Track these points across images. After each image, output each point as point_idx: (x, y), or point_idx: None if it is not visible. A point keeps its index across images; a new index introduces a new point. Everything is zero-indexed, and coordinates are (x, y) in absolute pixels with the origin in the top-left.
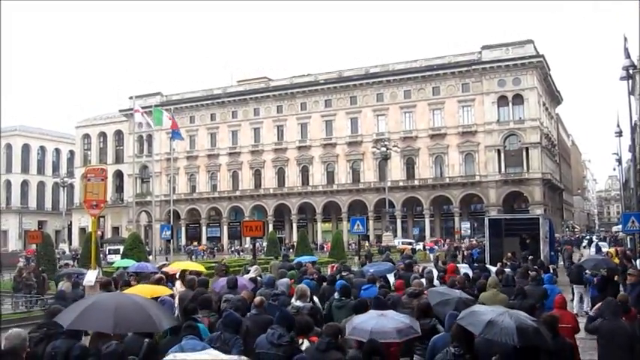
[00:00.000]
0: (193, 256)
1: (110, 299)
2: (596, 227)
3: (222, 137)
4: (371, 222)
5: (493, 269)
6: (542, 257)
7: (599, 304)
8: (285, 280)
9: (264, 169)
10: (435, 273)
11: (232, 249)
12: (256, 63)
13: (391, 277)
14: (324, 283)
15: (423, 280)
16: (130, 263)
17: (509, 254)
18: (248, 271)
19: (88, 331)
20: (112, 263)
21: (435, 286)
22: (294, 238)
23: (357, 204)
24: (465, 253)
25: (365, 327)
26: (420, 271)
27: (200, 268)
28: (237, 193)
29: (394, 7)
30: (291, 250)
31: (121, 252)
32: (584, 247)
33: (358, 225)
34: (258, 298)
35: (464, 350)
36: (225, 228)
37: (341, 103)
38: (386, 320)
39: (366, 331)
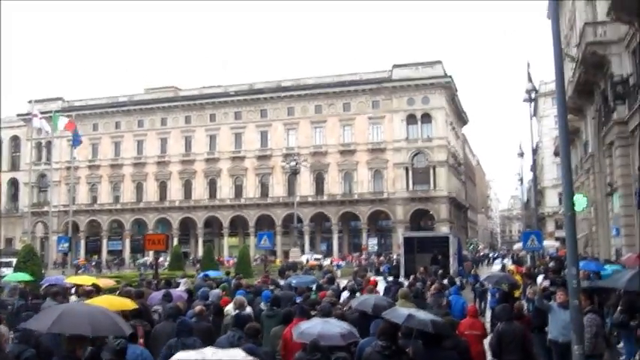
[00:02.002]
0: (80, 270)
1: (80, 306)
2: (499, 245)
3: (126, 147)
4: (279, 237)
5: (407, 283)
6: (451, 272)
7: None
8: (217, 291)
9: (171, 180)
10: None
11: (135, 263)
12: (165, 71)
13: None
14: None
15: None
16: (24, 277)
17: (422, 269)
18: (178, 284)
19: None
20: (3, 277)
21: (356, 296)
22: (200, 252)
23: (265, 219)
24: (381, 269)
25: (312, 331)
26: (345, 284)
27: (108, 283)
28: (142, 205)
29: (308, 22)
30: (198, 265)
31: (13, 265)
32: (487, 265)
33: (265, 240)
34: (198, 307)
35: (389, 343)
36: (128, 241)
37: (251, 115)
38: (330, 326)
39: (312, 335)
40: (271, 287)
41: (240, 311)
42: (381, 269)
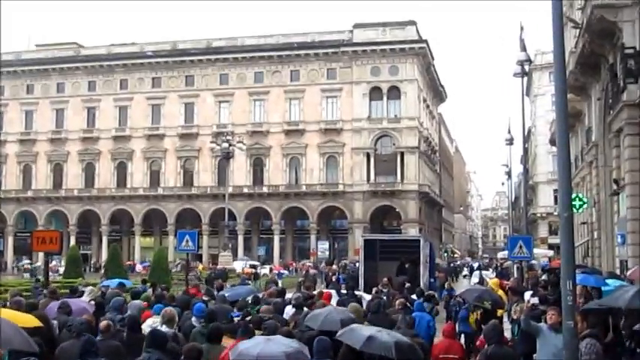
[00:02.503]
0: None
1: None
2: (480, 252)
3: (11, 118)
4: (205, 238)
5: (367, 297)
6: (421, 284)
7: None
8: (138, 302)
9: (67, 163)
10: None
11: (17, 266)
12: (65, 24)
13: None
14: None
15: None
16: None
17: (385, 280)
18: (82, 293)
19: None
20: None
21: (303, 311)
22: (104, 255)
23: (189, 214)
24: (333, 279)
25: (251, 352)
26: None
27: None
28: (29, 194)
29: None
30: (103, 271)
31: None
32: (465, 277)
33: (187, 241)
34: (104, 322)
35: None
36: (11, 239)
37: (173, 83)
38: (274, 345)
39: (252, 356)
40: (205, 298)
41: (168, 327)
42: (334, 279)
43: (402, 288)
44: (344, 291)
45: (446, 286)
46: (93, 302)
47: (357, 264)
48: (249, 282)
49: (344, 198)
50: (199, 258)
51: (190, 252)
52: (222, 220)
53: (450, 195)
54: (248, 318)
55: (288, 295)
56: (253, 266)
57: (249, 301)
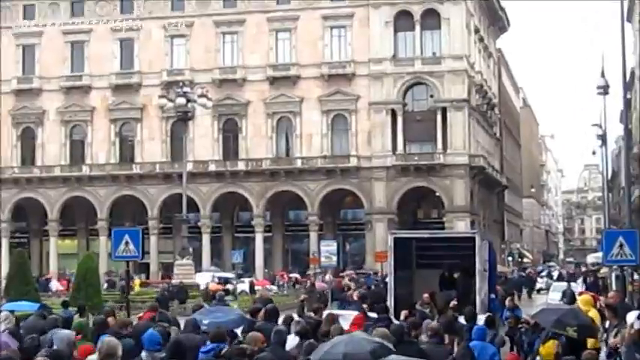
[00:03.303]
0: None
1: None
2: (560, 255)
3: None
4: (153, 239)
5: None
6: (477, 302)
7: None
8: (65, 332)
9: None
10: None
11: None
12: None
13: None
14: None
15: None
16: None
17: (426, 296)
18: None
19: None
20: None
21: (311, 343)
22: (4, 266)
23: (129, 204)
24: (354, 296)
25: None
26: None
27: None
28: None
29: None
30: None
31: None
32: (540, 291)
33: (127, 244)
34: None
35: None
36: None
37: (102, 9)
38: None
39: None
40: (164, 325)
41: None
42: (355, 296)
43: (447, 308)
44: (373, 314)
45: (507, 304)
46: (8, 332)
47: (379, 274)
48: (231, 302)
49: (358, 177)
50: (145, 269)
51: (132, 260)
52: (179, 213)
53: (515, 171)
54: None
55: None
56: (225, 280)
57: (239, 333)
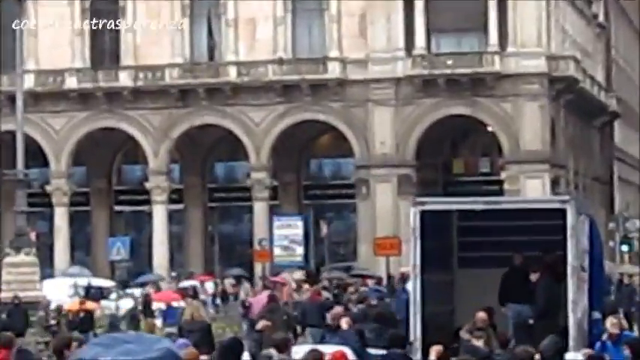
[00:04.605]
0: None
1: None
2: None
3: None
4: None
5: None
6: (570, 327)
7: None
8: None
9: None
10: None
11: None
12: None
13: None
14: None
15: None
16: None
17: (482, 315)
18: None
19: None
20: None
21: None
22: None
23: None
24: (343, 324)
25: None
26: None
27: None
28: None
29: None
30: None
31: None
32: None
33: None
34: None
35: None
36: None
37: None
38: None
39: None
40: None
41: None
42: (344, 323)
43: (519, 333)
44: (376, 350)
45: (609, 326)
46: None
47: (386, 279)
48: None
49: (343, 99)
50: None
51: None
52: (10, 170)
53: (635, 85)
54: None
55: None
56: (99, 292)
57: None
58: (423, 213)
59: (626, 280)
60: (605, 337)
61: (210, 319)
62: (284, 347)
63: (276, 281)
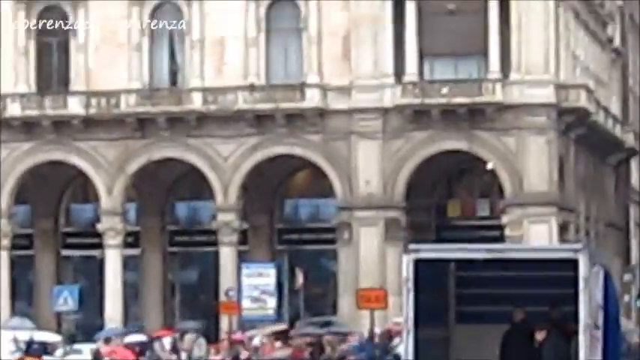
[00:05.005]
0: None
1: None
2: None
3: None
4: None
5: None
6: None
7: None
8: None
9: None
10: None
11: None
12: None
13: None
14: None
15: None
16: None
17: None
18: None
19: None
20: None
21: None
22: None
23: None
24: None
25: None
26: None
27: None
28: None
29: None
30: None
31: None
32: None
33: None
34: None
35: None
36: None
37: None
38: None
39: None
40: None
41: None
42: None
43: None
44: None
45: None
46: None
47: (371, 335)
48: None
49: (323, 131)
50: None
51: None
52: None
53: None
54: None
55: None
56: (42, 348)
57: None
58: (417, 262)
59: (636, 340)
60: None
61: None
62: None
63: (235, 340)
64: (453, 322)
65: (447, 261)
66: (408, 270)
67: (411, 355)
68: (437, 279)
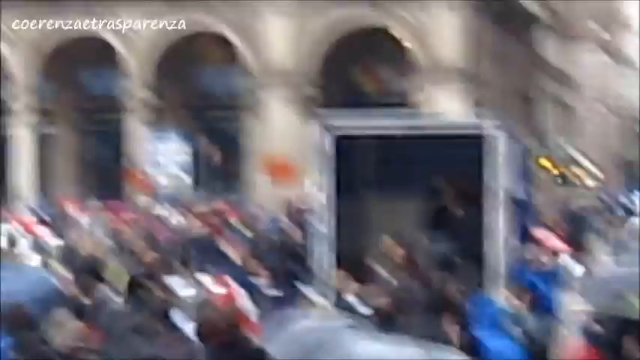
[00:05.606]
0: None
1: None
2: None
3: None
4: None
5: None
6: (490, 258)
7: None
8: None
9: None
10: None
11: None
12: None
13: None
14: None
15: None
16: None
17: (398, 252)
18: None
19: None
20: None
21: None
22: None
23: None
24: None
25: None
26: None
27: None
28: None
29: None
30: None
31: None
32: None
33: None
34: None
35: None
36: None
37: None
38: None
39: None
40: None
41: None
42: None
43: (449, 271)
44: (260, 279)
45: (538, 258)
46: None
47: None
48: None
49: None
50: None
51: None
52: None
53: None
54: None
55: None
56: None
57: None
58: (338, 137)
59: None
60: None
61: None
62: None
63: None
64: (373, 197)
65: (364, 138)
66: (327, 144)
67: (333, 232)
68: (353, 154)
